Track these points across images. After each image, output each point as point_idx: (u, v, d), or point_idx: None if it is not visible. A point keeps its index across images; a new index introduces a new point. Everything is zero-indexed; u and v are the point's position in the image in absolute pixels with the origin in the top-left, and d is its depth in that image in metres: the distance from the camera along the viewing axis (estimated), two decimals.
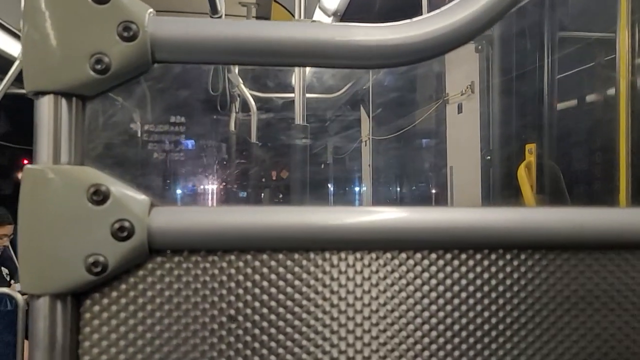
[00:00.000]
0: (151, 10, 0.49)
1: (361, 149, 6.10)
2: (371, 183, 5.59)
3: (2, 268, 3.32)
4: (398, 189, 5.89)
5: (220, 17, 2.95)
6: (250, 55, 0.51)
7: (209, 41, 0.50)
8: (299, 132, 2.27)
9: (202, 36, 0.50)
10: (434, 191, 4.72)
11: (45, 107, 0.48)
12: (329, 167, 7.80)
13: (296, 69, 2.69)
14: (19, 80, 3.20)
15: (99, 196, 0.48)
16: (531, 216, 0.55)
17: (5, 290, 2.51)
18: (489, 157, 3.01)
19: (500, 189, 2.92)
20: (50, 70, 0.48)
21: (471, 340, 0.54)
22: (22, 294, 2.44)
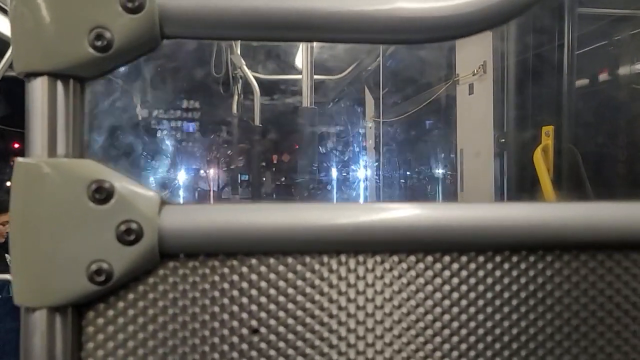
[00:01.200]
0: None
1: (366, 131, 6.03)
2: (375, 166, 5.53)
3: (7, 255, 3.28)
4: (403, 172, 5.83)
5: None
6: (271, 30, 0.44)
7: (226, 14, 0.43)
8: (307, 115, 2.20)
9: (218, 8, 0.43)
10: (441, 175, 4.65)
11: (38, 90, 0.42)
12: (332, 150, 7.73)
13: (303, 49, 2.59)
14: None
15: (102, 194, 0.42)
16: (558, 213, 0.48)
17: (6, 277, 2.47)
18: (502, 140, 2.93)
19: (515, 173, 2.85)
20: (43, 48, 0.42)
21: (489, 353, 0.48)
22: None
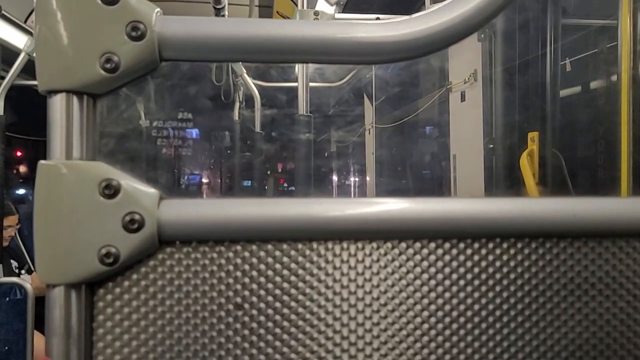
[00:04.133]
0: (158, 10, 0.51)
1: (364, 137, 6.11)
2: (374, 170, 5.61)
3: (12, 261, 3.35)
4: (402, 175, 5.90)
5: (223, 6, 2.95)
6: (254, 53, 0.53)
7: (214, 39, 0.52)
8: (302, 123, 2.27)
9: (207, 35, 0.51)
10: (437, 178, 4.73)
11: (57, 105, 0.50)
12: (333, 155, 7.82)
13: None
14: (23, 71, 3.22)
15: (110, 190, 0.50)
16: (527, 206, 0.57)
17: (15, 279, 2.55)
18: (491, 146, 3.02)
19: (503, 177, 2.93)
20: (62, 70, 0.50)
21: (469, 325, 0.56)
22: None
